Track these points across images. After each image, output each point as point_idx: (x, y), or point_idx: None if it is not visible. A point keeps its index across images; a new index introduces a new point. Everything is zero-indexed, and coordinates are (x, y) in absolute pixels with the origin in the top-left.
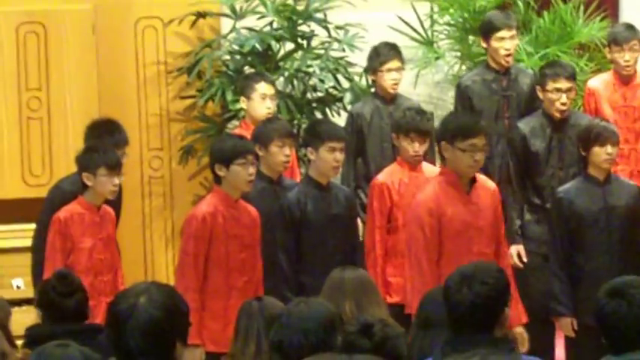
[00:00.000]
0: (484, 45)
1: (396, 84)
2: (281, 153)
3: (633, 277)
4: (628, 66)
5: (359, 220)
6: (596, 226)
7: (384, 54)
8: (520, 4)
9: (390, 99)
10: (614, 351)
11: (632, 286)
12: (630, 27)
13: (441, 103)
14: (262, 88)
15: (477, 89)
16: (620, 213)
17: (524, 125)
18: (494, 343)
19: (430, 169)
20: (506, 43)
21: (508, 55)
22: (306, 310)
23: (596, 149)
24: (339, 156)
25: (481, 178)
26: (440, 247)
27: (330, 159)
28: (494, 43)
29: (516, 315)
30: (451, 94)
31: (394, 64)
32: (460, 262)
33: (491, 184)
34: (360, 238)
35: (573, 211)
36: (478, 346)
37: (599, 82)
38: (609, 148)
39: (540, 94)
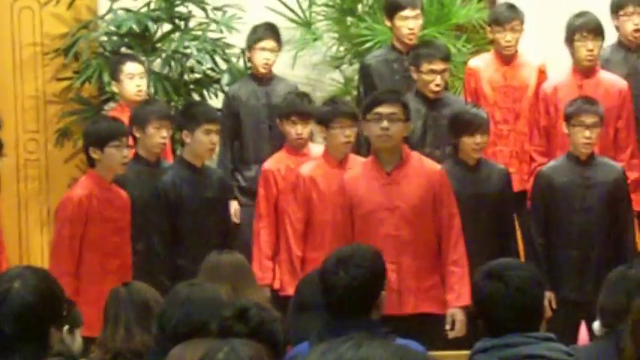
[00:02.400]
0: (388, 24)
1: (267, 64)
2: (158, 135)
3: (510, 259)
4: (509, 46)
5: (236, 203)
6: (465, 211)
7: (259, 32)
8: None
9: (266, 80)
10: (492, 333)
11: (510, 268)
12: (512, 7)
13: (319, 85)
14: (129, 68)
15: (379, 68)
16: (490, 199)
17: None
18: (371, 326)
19: (317, 150)
20: (410, 22)
21: (412, 34)
22: (194, 292)
23: (466, 139)
24: (215, 138)
25: (416, 158)
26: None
27: (205, 141)
28: (398, 22)
29: (455, 297)
30: (329, 75)
31: (268, 43)
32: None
33: (432, 167)
34: (237, 221)
35: None
36: (354, 330)
37: (480, 62)
38: (478, 138)
39: (415, 75)
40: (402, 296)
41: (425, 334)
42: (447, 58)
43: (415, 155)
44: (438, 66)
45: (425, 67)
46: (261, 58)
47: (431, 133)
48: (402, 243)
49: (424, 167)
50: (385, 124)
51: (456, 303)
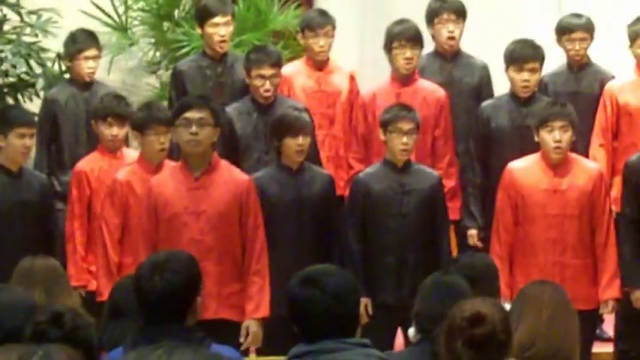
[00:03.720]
0: (199, 31)
1: (92, 72)
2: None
3: (326, 265)
4: (322, 51)
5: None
6: (287, 216)
7: (80, 41)
8: None
9: (86, 85)
10: (307, 339)
11: (325, 274)
12: (324, 13)
13: (134, 90)
14: None
15: (191, 74)
16: (311, 202)
17: (231, 109)
18: (185, 332)
19: (132, 155)
20: (221, 29)
21: (223, 42)
22: (3, 296)
23: (288, 141)
24: (29, 142)
25: (224, 165)
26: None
27: (19, 145)
28: (209, 29)
29: (253, 309)
30: (145, 80)
31: (91, 52)
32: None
33: (240, 176)
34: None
35: (266, 199)
36: (169, 336)
37: (292, 69)
38: (301, 139)
39: (247, 80)
40: (203, 301)
41: (223, 340)
42: (276, 63)
43: (224, 163)
44: (267, 71)
45: (254, 72)
46: (85, 67)
47: (261, 138)
48: (206, 248)
49: (232, 175)
50: (194, 129)
51: (253, 314)
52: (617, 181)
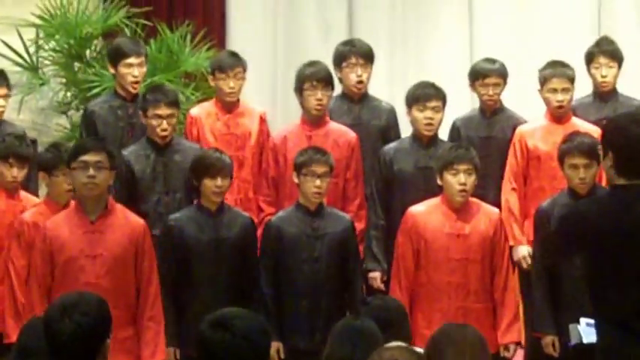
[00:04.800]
0: (112, 71)
1: (1, 111)
2: None
3: (237, 308)
4: (232, 93)
5: None
6: (206, 257)
7: None
8: (127, 31)
9: None
10: None
11: (236, 317)
12: (234, 55)
13: (45, 130)
14: None
15: (103, 115)
16: (230, 244)
17: (128, 152)
18: None
19: (30, 198)
20: (135, 69)
21: (136, 82)
22: None
23: (207, 181)
24: None
25: (119, 208)
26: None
27: None
28: (123, 70)
29: (149, 354)
30: (55, 120)
31: (1, 91)
32: (64, 292)
33: (136, 220)
34: None
35: (183, 240)
36: None
37: (202, 110)
38: (219, 181)
39: (143, 120)
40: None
41: None
42: (173, 103)
43: (119, 207)
44: (164, 111)
45: (150, 112)
46: None
47: (160, 179)
48: (102, 291)
49: (128, 219)
50: (91, 172)
51: (150, 359)
52: (528, 224)
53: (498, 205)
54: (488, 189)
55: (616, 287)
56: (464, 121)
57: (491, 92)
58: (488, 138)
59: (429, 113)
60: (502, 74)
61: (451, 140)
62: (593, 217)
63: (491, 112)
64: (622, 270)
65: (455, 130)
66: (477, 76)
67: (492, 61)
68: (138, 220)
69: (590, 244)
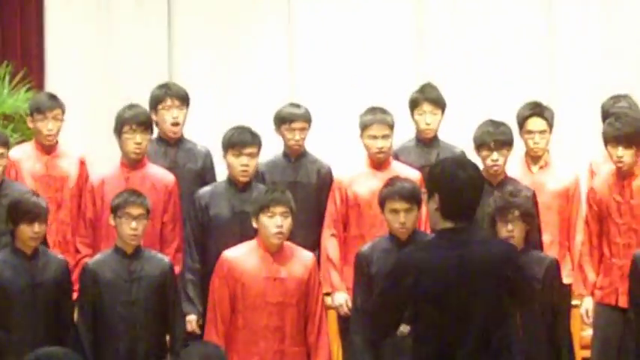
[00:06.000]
0: None
1: None
2: None
3: (55, 348)
4: (50, 135)
5: None
6: (21, 301)
7: None
8: None
9: None
10: None
11: (52, 357)
12: (53, 97)
13: None
14: None
15: None
16: (46, 288)
17: None
18: None
19: None
20: None
21: None
22: None
23: (23, 227)
24: None
25: None
26: None
27: None
28: None
29: None
30: None
31: None
32: None
33: None
34: None
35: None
36: None
37: (21, 152)
38: (36, 227)
39: None
40: None
41: None
42: (3, 144)
43: None
44: None
45: None
46: None
47: None
48: None
49: None
50: None
51: None
52: (347, 270)
53: (306, 248)
54: (295, 233)
55: (438, 329)
56: (268, 166)
57: (297, 137)
58: (294, 183)
59: (244, 160)
60: (307, 119)
61: None
62: (425, 264)
63: (296, 156)
64: (448, 311)
65: (259, 175)
66: (282, 120)
67: (297, 105)
68: None
69: (424, 291)
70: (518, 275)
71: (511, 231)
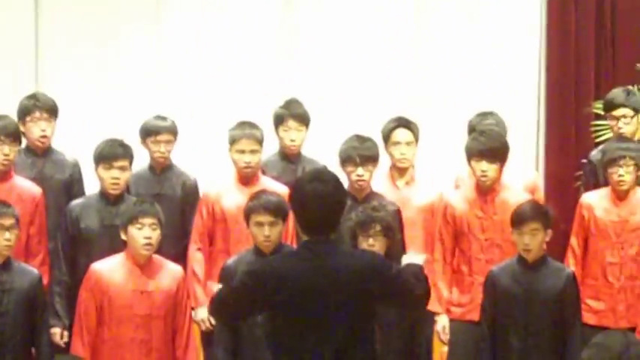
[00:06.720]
0: None
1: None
2: None
3: None
4: None
5: None
6: None
7: None
8: None
9: None
10: None
11: None
12: None
13: None
14: None
15: None
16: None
17: None
18: None
19: None
20: None
21: None
22: None
23: None
24: None
25: None
26: None
27: None
28: None
29: None
30: None
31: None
32: None
33: None
34: None
35: None
36: None
37: None
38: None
39: None
40: None
41: None
42: None
43: None
44: None
45: None
46: None
47: None
48: None
49: None
50: None
51: None
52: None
53: (176, 261)
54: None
55: (297, 337)
56: (134, 179)
57: (162, 149)
58: (158, 195)
59: (115, 173)
60: (173, 131)
61: None
62: (286, 272)
63: (161, 169)
64: (304, 323)
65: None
66: (148, 133)
67: (163, 118)
68: None
69: (281, 300)
70: (390, 281)
71: (372, 245)
